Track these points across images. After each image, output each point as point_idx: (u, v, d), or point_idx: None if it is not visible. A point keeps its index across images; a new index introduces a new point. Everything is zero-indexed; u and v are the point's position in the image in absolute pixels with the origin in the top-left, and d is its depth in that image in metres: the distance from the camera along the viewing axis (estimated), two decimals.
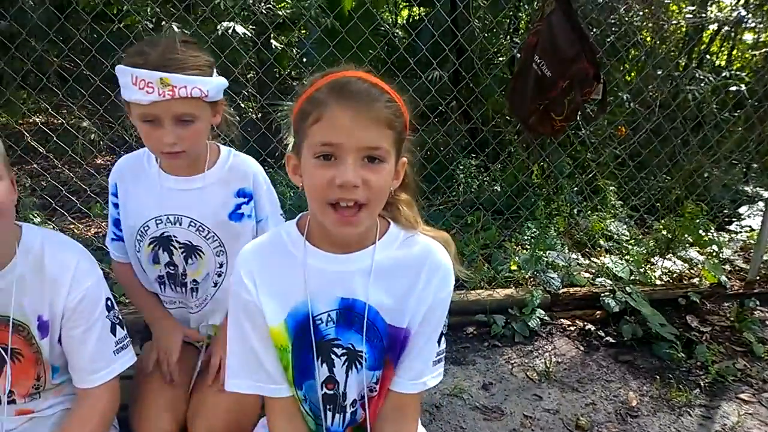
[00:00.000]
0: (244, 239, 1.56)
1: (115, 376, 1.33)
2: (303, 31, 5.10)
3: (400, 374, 1.18)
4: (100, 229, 3.53)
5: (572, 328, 2.91)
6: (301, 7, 3.65)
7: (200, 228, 1.52)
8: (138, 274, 1.65)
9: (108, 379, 1.31)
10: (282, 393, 1.17)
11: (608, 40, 3.66)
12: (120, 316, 1.37)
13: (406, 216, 1.17)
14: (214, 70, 1.42)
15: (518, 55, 4.10)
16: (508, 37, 4.66)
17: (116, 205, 1.59)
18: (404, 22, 6.21)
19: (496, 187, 3.95)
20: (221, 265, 1.57)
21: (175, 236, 1.53)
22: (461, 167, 4.04)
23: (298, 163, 1.04)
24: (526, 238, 3.56)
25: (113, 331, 1.33)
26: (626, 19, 3.65)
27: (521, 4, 4.52)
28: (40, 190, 3.68)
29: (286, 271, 1.11)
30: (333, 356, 1.15)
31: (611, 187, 3.77)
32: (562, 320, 2.94)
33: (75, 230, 3.51)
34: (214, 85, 1.38)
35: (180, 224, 1.51)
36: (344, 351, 1.15)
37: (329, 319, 1.13)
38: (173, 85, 1.28)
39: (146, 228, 1.53)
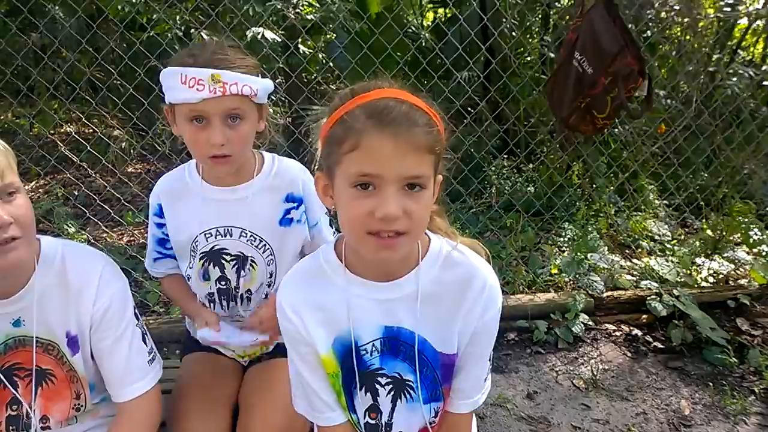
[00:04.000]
0: (293, 246, 1.53)
1: (152, 387, 1.27)
2: (328, 35, 5.09)
3: (451, 395, 1.15)
4: (133, 237, 3.53)
5: (618, 334, 2.80)
6: (331, 11, 3.61)
7: (252, 237, 1.47)
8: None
9: (146, 389, 1.25)
10: (336, 420, 1.14)
11: (643, 36, 3.55)
12: (145, 327, 1.32)
13: (440, 227, 1.13)
14: (259, 74, 1.39)
15: (551, 53, 4.02)
16: (540, 35, 4.57)
17: (159, 225, 1.55)
18: (430, 24, 6.18)
19: (530, 188, 3.86)
20: (271, 275, 1.53)
21: (225, 249, 1.48)
22: (493, 168, 3.96)
23: (330, 185, 0.99)
24: (564, 239, 3.47)
25: (144, 341, 1.28)
26: (663, 14, 3.54)
27: (552, 1, 4.43)
28: (73, 200, 3.70)
29: (328, 300, 1.07)
30: (377, 386, 1.12)
31: (651, 187, 3.65)
32: (606, 325, 2.84)
33: (108, 239, 3.52)
34: (262, 85, 1.35)
35: (230, 236, 1.47)
36: (389, 380, 1.11)
37: (374, 348, 1.09)
38: (224, 82, 1.26)
39: (196, 243, 1.48)
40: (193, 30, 3.68)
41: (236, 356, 1.63)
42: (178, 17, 3.60)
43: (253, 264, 1.50)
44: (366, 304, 1.07)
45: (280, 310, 1.09)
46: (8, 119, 4.77)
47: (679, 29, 4.35)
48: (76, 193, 3.78)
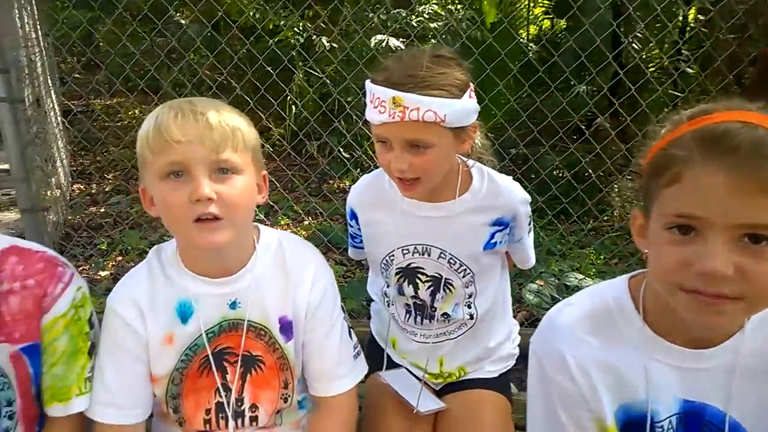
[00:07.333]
0: (494, 265, 1.40)
1: (356, 384, 1.22)
2: (432, 41, 5.03)
3: None
4: None
5: None
6: (456, 18, 3.53)
7: (451, 260, 1.33)
8: (383, 302, 1.53)
9: (352, 385, 1.20)
10: None
11: None
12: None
13: None
14: (468, 92, 1.20)
15: (688, 68, 3.74)
16: (671, 48, 4.30)
17: (351, 225, 1.48)
18: (537, 34, 6.01)
19: None
20: (470, 296, 1.39)
21: (422, 268, 1.36)
22: (616, 190, 3.72)
23: (645, 225, 0.82)
24: None
25: (350, 335, 1.23)
26: None
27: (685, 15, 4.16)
28: None
29: (620, 360, 0.89)
30: None
31: None
32: None
33: None
34: (457, 108, 1.15)
35: (429, 255, 1.34)
36: None
37: (669, 426, 0.89)
38: (405, 106, 1.11)
39: (392, 257, 1.37)
40: (314, 36, 3.70)
41: (429, 377, 1.47)
42: (300, 24, 3.61)
43: (450, 287, 1.36)
44: (664, 371, 0.87)
45: (558, 365, 0.90)
46: (135, 114, 5.02)
47: None
48: None
